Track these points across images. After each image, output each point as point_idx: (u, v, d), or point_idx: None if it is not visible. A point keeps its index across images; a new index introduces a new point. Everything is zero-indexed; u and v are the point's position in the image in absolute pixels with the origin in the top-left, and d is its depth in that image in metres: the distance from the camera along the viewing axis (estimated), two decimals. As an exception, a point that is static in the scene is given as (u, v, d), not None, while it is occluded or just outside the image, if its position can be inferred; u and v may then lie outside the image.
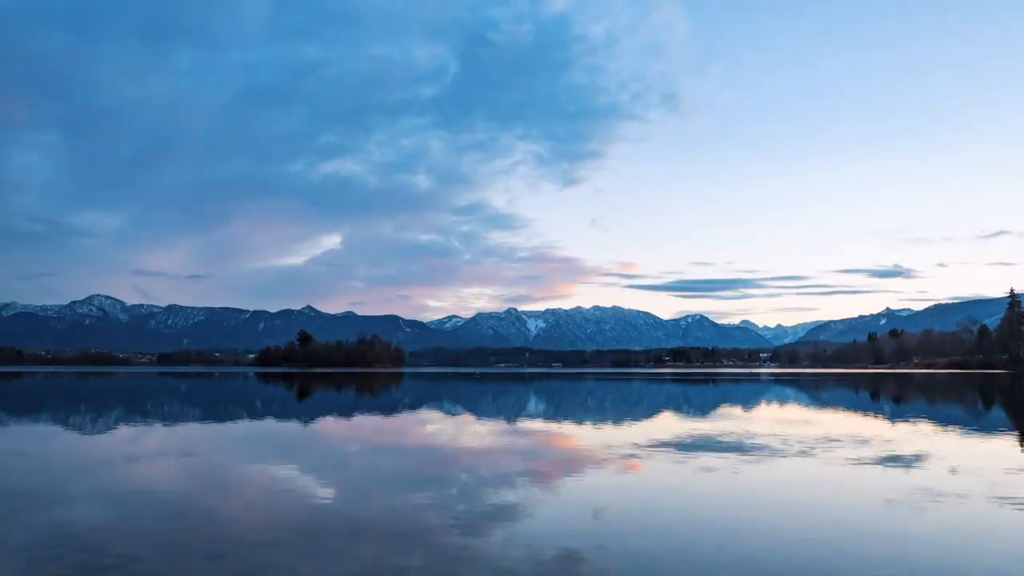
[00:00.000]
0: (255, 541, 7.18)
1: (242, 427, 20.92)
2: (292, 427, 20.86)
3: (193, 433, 18.94)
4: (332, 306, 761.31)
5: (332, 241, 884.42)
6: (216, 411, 28.18)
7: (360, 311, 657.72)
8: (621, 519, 8.28)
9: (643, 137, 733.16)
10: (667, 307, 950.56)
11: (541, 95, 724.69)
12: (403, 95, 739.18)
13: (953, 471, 11.87)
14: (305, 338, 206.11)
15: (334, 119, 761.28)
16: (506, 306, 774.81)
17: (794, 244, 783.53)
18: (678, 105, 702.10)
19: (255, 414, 26.38)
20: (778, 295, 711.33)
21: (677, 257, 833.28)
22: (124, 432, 19.14)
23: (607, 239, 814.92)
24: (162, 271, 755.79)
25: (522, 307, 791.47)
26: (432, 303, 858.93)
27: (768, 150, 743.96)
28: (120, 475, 11.49)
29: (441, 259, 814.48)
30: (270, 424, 22.05)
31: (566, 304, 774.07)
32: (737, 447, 15.21)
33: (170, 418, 24.06)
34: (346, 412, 27.66)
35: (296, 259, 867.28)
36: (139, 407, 29.87)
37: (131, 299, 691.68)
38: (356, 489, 10.33)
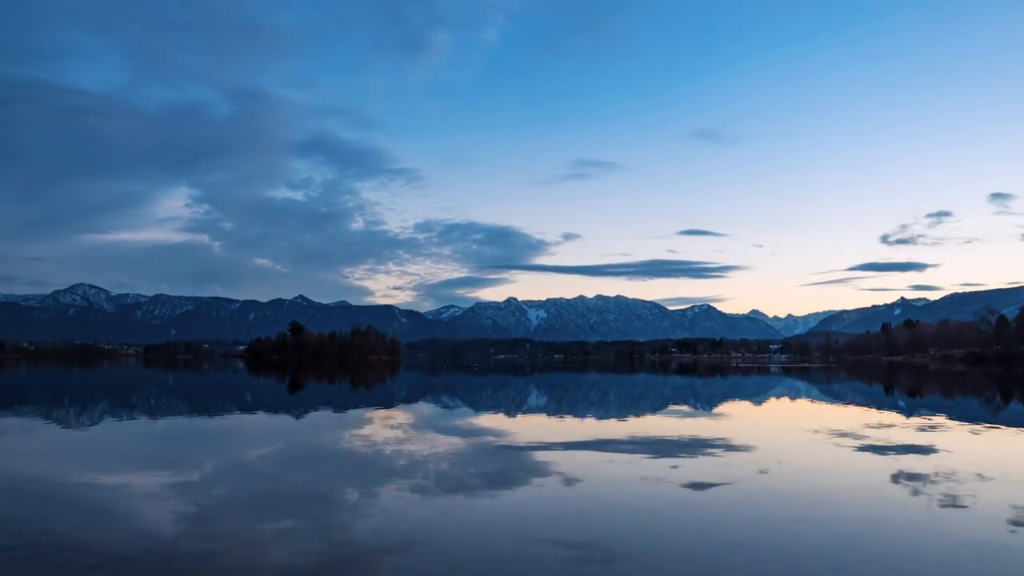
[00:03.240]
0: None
1: (139, 425, 19.67)
2: (212, 424, 20.56)
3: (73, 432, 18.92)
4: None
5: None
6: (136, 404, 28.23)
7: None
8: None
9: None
10: (673, 293, 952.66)
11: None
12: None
13: (968, 469, 11.92)
14: (297, 329, 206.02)
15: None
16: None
17: (807, 231, 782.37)
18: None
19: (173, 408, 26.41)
20: (787, 283, 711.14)
21: (682, 243, 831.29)
22: None
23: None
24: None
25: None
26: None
27: (783, 136, 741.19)
28: None
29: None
30: (192, 421, 22.05)
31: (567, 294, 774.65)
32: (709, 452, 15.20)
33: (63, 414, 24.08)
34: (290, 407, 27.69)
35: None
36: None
37: (116, 288, 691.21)
38: (208, 505, 9.03)
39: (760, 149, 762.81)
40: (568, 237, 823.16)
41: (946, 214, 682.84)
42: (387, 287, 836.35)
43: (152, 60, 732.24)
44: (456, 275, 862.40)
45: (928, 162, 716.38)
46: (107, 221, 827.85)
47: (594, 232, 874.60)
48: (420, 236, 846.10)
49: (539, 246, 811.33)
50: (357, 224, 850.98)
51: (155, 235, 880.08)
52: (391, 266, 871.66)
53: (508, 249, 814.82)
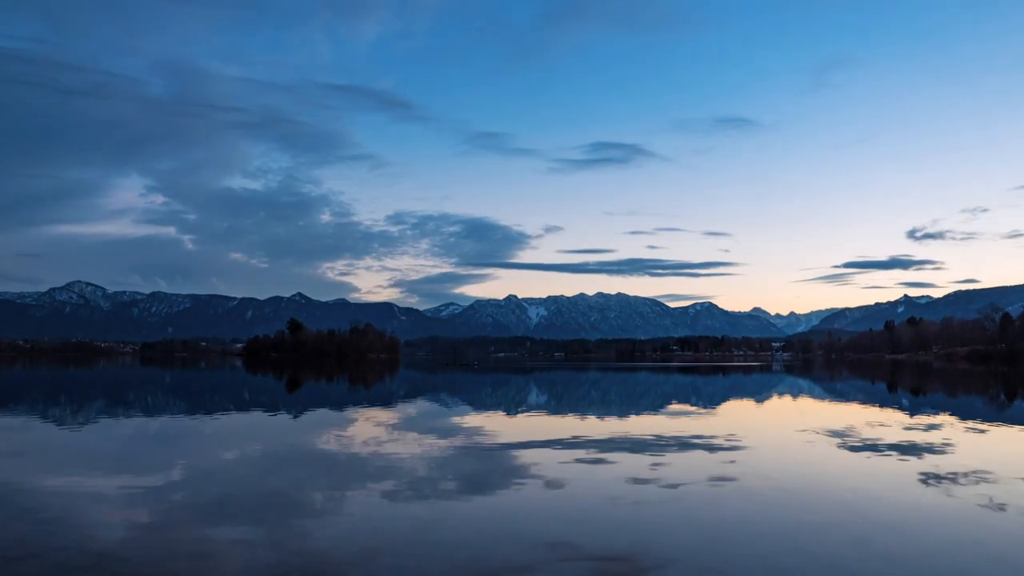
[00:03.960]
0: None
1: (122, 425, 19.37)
2: (191, 424, 20.16)
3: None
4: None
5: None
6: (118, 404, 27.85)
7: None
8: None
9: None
10: (679, 292, 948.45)
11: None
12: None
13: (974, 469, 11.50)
14: (295, 327, 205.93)
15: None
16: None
17: (810, 229, 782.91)
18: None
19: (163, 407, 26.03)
20: (791, 281, 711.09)
21: (687, 240, 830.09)
22: None
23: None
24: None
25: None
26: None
27: (785, 136, 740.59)
28: None
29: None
30: (175, 421, 21.66)
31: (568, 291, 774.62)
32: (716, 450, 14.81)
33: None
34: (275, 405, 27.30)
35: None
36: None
37: (112, 285, 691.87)
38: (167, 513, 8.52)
39: (771, 142, 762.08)
40: (550, 230, 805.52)
41: (954, 213, 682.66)
42: (372, 285, 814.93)
43: (67, 28, 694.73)
44: (438, 270, 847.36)
45: (936, 162, 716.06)
46: (53, 213, 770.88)
47: (575, 225, 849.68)
48: (394, 229, 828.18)
49: (519, 239, 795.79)
50: (326, 216, 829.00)
51: (110, 228, 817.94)
52: (370, 260, 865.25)
53: (488, 243, 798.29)
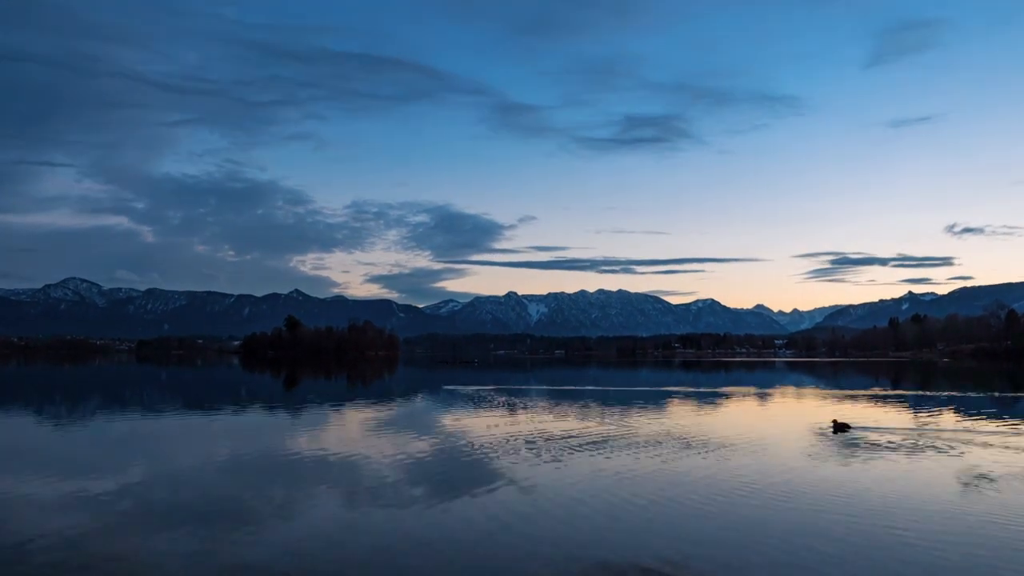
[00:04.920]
0: None
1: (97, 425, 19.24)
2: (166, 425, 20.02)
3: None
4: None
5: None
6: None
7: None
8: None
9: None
10: (679, 288, 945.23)
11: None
12: None
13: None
14: (293, 324, 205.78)
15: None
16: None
17: (811, 225, 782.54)
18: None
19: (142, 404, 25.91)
20: (794, 278, 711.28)
21: (690, 239, 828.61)
22: None
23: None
24: None
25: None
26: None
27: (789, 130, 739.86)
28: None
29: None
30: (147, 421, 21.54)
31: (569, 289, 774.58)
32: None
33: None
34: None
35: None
36: None
37: (107, 283, 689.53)
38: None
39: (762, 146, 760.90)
40: (524, 220, 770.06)
41: (959, 210, 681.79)
42: (351, 280, 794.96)
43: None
44: (415, 264, 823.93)
45: (945, 159, 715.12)
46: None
47: (550, 216, 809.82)
48: (356, 222, 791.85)
49: (492, 229, 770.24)
50: (281, 205, 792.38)
51: (44, 219, 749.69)
52: (339, 253, 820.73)
53: (458, 234, 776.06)
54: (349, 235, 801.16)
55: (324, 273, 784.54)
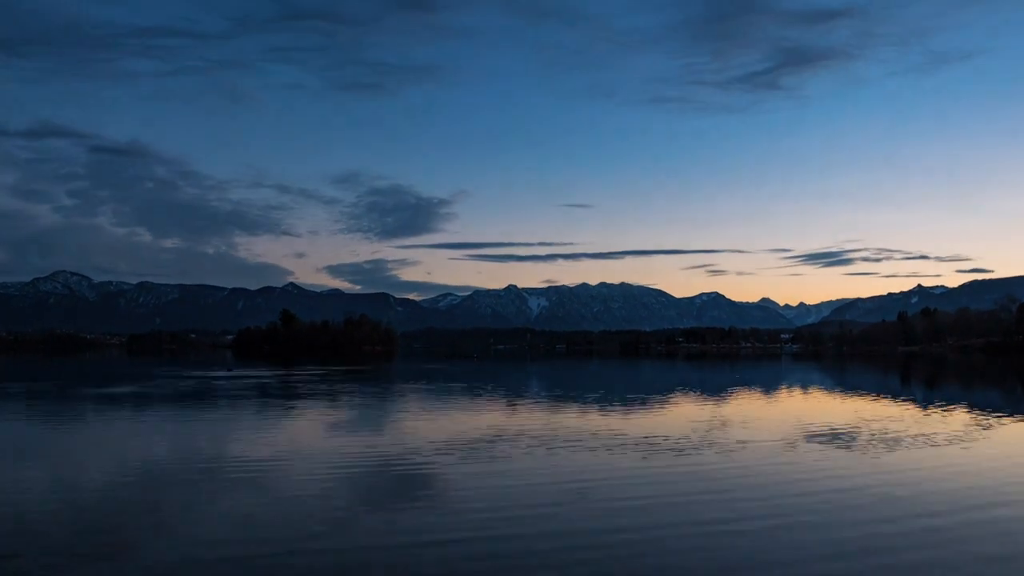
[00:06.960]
0: None
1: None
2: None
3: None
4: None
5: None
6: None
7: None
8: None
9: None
10: (680, 285, 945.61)
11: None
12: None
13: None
14: (288, 318, 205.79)
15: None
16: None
17: (820, 218, 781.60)
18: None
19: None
20: (800, 271, 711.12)
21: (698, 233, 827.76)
22: None
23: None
24: None
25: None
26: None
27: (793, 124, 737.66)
28: None
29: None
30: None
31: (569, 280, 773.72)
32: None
33: None
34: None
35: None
36: None
37: (98, 275, 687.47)
38: None
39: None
40: (457, 195, 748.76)
41: (969, 201, 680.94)
42: (292, 266, 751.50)
43: None
44: (359, 249, 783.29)
45: (951, 153, 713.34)
46: None
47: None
48: (279, 199, 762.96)
49: (428, 206, 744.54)
50: (162, 171, 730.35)
51: None
52: (272, 237, 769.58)
53: (397, 213, 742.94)
54: (274, 215, 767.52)
55: (264, 259, 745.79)
